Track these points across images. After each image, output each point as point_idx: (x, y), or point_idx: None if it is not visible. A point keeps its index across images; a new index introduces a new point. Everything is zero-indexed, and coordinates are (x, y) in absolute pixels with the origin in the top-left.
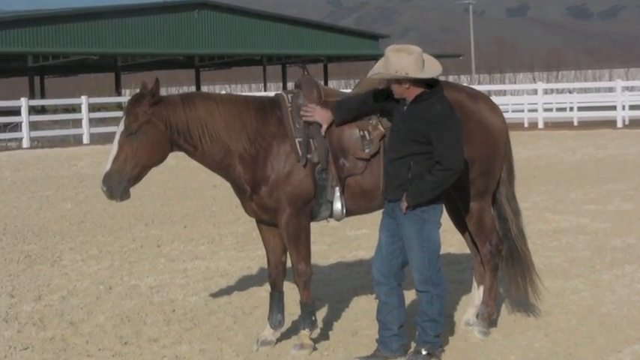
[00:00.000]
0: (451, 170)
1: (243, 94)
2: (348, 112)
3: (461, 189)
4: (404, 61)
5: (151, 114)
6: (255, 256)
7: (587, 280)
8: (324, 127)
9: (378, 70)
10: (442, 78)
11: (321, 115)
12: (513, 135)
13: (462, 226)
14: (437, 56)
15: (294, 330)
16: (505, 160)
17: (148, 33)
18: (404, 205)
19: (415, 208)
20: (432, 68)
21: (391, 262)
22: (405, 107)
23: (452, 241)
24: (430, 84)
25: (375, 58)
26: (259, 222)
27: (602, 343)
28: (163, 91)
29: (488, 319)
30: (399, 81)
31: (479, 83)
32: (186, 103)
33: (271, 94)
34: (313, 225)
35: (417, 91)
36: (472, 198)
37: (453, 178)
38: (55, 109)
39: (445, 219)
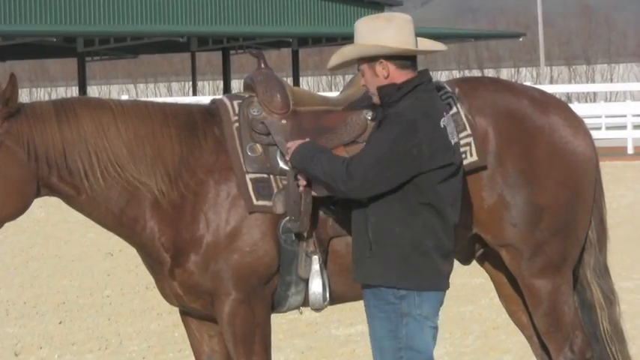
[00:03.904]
0: (341, 182)
1: (159, 100)
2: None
3: (518, 256)
4: (382, 32)
5: (4, 134)
6: None
7: None
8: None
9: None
10: (491, 73)
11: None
12: (607, 167)
13: (522, 318)
14: (484, 36)
15: None
16: (594, 209)
17: (0, 1)
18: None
19: (386, 284)
20: (428, 43)
21: None
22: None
23: (508, 344)
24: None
25: None
26: (186, 314)
27: None
28: (24, 95)
29: None
30: (372, 61)
31: (551, 81)
32: (63, 116)
33: (206, 99)
34: (275, 318)
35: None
36: (541, 272)
37: (337, 189)
38: None
39: (496, 308)
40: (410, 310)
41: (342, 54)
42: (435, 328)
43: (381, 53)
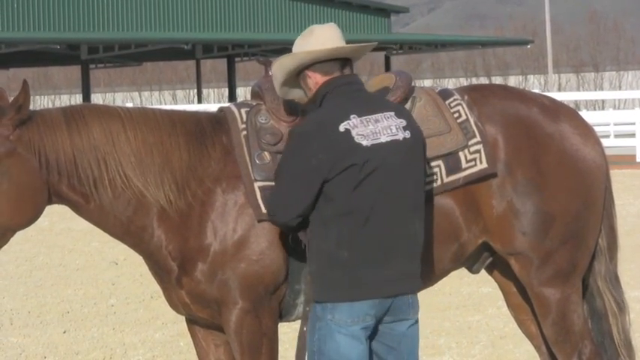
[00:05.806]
0: (271, 216)
1: (166, 107)
2: None
3: (527, 264)
4: (306, 45)
5: (16, 141)
6: None
7: None
8: None
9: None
10: (498, 80)
11: None
12: (616, 175)
13: (531, 327)
14: (491, 43)
15: None
16: (604, 217)
17: (4, 8)
18: None
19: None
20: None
21: None
22: None
23: (515, 354)
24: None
25: (385, 46)
26: (192, 322)
27: None
28: (34, 102)
29: None
30: (304, 77)
31: (559, 89)
32: (73, 124)
33: (211, 107)
34: (281, 328)
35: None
36: (550, 281)
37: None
38: None
39: (503, 318)
40: (323, 314)
41: (274, 77)
42: (353, 336)
43: (299, 63)
